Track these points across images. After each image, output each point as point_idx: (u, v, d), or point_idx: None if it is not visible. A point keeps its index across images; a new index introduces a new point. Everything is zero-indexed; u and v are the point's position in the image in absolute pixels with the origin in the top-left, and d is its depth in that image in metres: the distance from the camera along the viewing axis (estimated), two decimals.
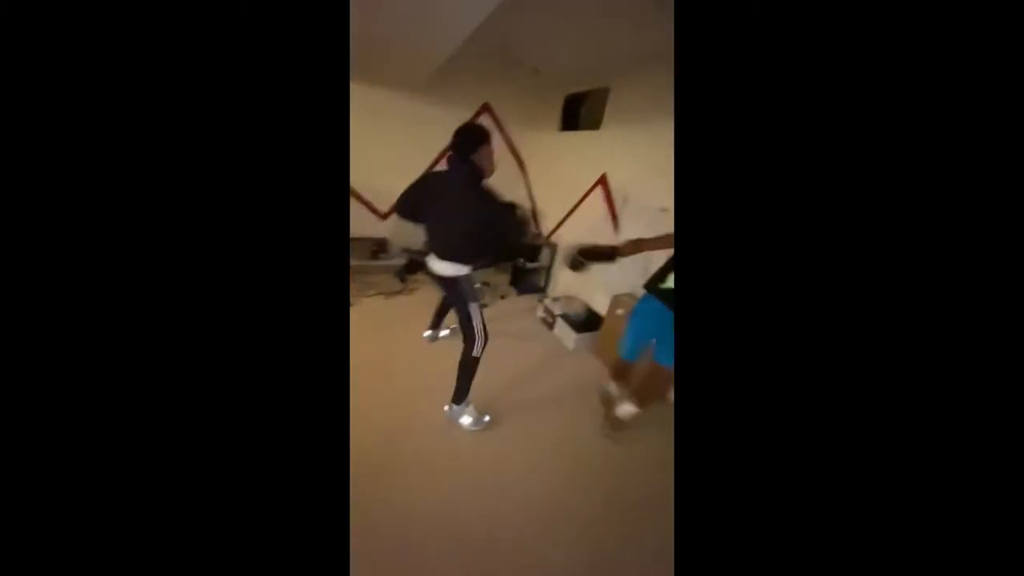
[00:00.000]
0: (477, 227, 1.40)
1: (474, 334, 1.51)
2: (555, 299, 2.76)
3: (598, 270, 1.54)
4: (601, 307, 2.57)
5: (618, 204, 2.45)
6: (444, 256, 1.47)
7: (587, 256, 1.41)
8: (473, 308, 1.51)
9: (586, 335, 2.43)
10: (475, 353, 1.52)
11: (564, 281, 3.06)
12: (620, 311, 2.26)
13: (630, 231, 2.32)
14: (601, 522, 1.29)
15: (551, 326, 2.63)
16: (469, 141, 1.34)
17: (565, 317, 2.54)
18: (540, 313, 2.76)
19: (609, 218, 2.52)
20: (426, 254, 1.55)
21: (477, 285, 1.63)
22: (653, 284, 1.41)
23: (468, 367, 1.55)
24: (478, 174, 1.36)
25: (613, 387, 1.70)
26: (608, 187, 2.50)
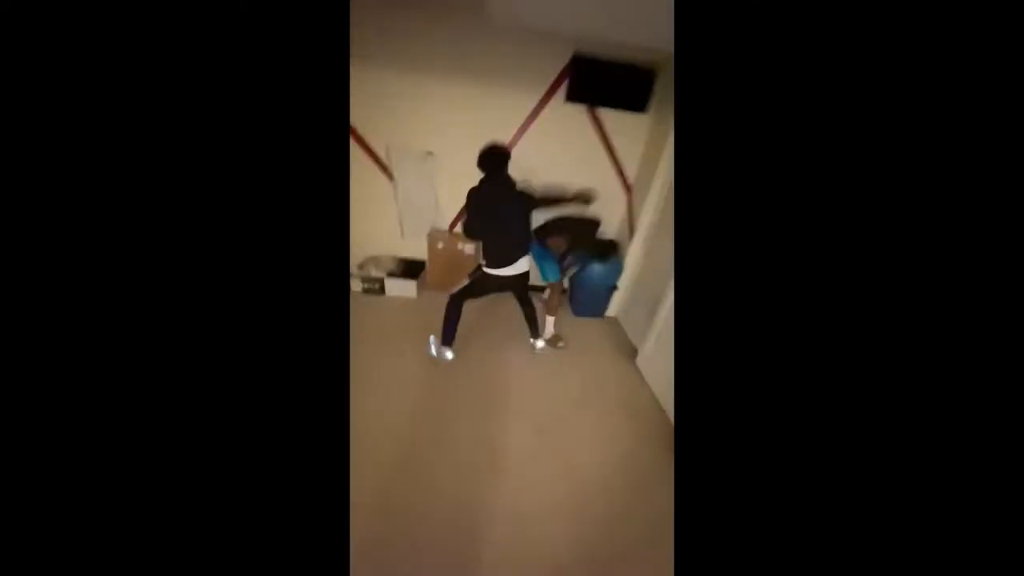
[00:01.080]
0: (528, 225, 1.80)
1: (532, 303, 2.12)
2: (362, 266, 2.71)
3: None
4: (409, 251, 2.82)
5: (381, 154, 2.49)
6: (516, 257, 1.80)
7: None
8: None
9: (417, 280, 2.71)
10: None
11: (359, 246, 2.93)
12: (440, 244, 2.65)
13: (405, 177, 2.52)
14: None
15: (382, 290, 2.67)
16: (500, 160, 1.64)
17: (391, 274, 2.65)
18: (361, 286, 2.67)
19: (377, 169, 2.55)
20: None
21: None
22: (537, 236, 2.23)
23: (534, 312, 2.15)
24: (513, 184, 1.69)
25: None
26: (361, 137, 2.43)
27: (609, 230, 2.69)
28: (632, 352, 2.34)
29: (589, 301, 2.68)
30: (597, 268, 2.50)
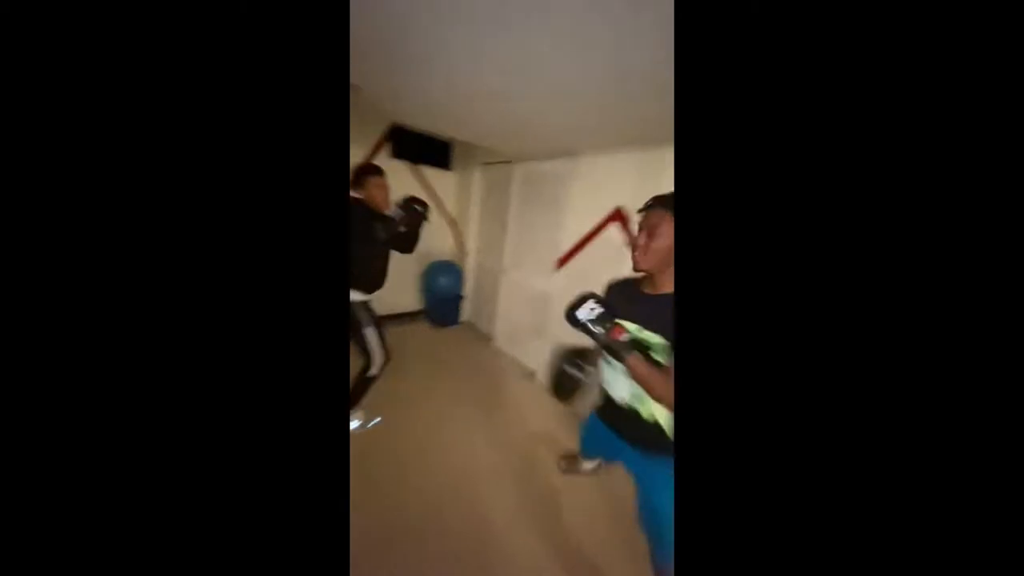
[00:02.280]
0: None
1: (370, 353, 1.61)
2: None
3: None
4: None
5: None
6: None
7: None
8: (367, 331, 1.60)
9: None
10: (372, 372, 1.63)
11: None
12: None
13: None
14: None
15: None
16: (355, 176, 1.51)
17: None
18: None
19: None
20: None
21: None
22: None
23: (363, 384, 1.65)
24: (363, 208, 1.51)
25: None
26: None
27: (445, 253, 3.37)
28: (489, 339, 3.05)
29: (444, 313, 3.21)
30: (443, 281, 3.10)
